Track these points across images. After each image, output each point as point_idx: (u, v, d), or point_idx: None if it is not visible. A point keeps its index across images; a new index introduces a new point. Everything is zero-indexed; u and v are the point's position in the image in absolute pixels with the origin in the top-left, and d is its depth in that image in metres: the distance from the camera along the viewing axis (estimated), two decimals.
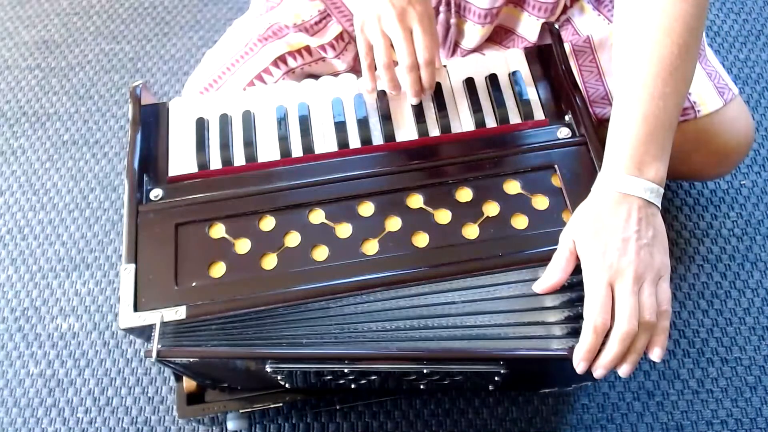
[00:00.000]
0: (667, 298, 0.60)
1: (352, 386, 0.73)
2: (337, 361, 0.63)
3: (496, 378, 0.67)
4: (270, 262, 0.66)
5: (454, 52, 0.93)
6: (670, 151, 0.63)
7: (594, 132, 0.70)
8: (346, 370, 0.64)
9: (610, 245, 0.59)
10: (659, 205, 0.61)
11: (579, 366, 0.59)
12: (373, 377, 0.69)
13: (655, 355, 0.60)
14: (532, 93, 0.77)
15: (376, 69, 0.77)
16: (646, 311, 0.58)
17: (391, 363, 0.63)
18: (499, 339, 0.62)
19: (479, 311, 0.63)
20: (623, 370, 0.60)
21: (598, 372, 0.60)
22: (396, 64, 0.75)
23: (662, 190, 0.62)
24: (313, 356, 0.62)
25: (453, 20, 0.88)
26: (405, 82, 0.74)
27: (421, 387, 0.74)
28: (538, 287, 0.62)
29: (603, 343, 0.59)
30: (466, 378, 0.69)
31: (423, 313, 0.63)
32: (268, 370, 0.64)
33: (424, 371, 0.64)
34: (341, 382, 0.71)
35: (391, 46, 0.74)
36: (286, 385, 0.74)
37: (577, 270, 0.61)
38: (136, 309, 0.63)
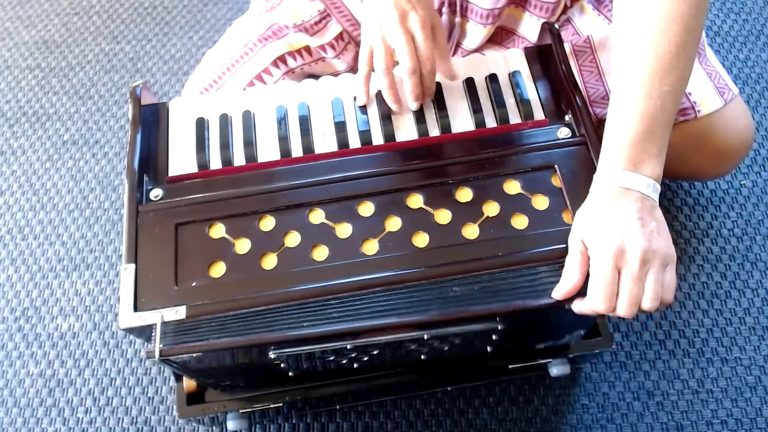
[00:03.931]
0: (672, 286, 0.60)
1: (355, 365, 0.73)
2: (338, 338, 0.63)
3: (494, 336, 0.67)
4: (270, 262, 0.66)
5: (455, 53, 0.93)
6: (667, 149, 0.63)
7: (594, 132, 0.70)
8: (348, 347, 0.64)
9: (616, 231, 0.59)
10: (657, 200, 0.62)
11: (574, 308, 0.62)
12: (374, 351, 0.69)
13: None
14: (532, 93, 0.77)
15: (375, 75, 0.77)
16: (647, 299, 0.59)
17: (391, 333, 0.63)
18: (495, 301, 0.63)
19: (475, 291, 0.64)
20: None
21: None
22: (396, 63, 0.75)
23: (659, 186, 0.62)
24: (315, 335, 0.62)
25: (457, 20, 0.88)
26: (405, 86, 0.74)
27: (422, 357, 0.74)
28: (557, 293, 0.62)
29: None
30: (464, 341, 0.69)
31: (422, 297, 0.64)
32: (272, 356, 0.64)
33: (425, 337, 0.64)
34: (344, 361, 0.71)
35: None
36: (290, 374, 0.73)
37: None
38: (136, 309, 0.63)
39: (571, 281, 0.61)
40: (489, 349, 0.73)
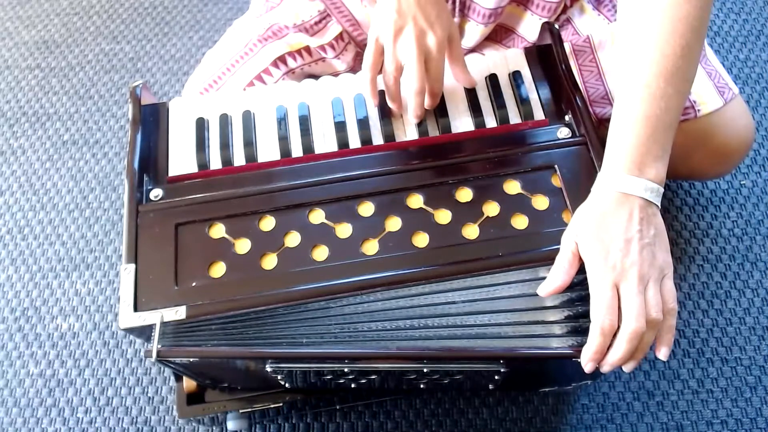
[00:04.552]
0: (673, 295, 0.60)
1: (352, 386, 0.73)
2: (336, 361, 0.63)
3: (496, 377, 0.67)
4: (270, 262, 0.66)
5: None
6: (671, 150, 0.63)
7: (594, 132, 0.70)
8: (345, 370, 0.64)
9: (613, 246, 0.59)
10: (659, 205, 0.62)
11: (587, 366, 0.60)
12: (372, 376, 0.69)
13: (662, 354, 0.61)
14: (532, 93, 0.77)
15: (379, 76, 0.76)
16: (652, 309, 0.59)
17: (391, 362, 0.63)
18: (499, 338, 0.62)
19: (479, 311, 0.63)
20: (628, 367, 0.61)
21: (605, 368, 0.60)
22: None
23: (662, 190, 0.62)
24: (312, 355, 0.62)
25: (456, 19, 0.88)
26: (408, 103, 0.74)
27: (421, 386, 0.74)
28: (542, 290, 0.62)
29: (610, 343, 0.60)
30: (466, 377, 0.69)
31: (423, 312, 0.63)
32: (268, 369, 0.64)
33: (425, 370, 0.64)
34: (341, 381, 0.71)
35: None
36: (286, 385, 0.74)
37: (579, 270, 0.61)
38: (136, 309, 0.63)
39: (558, 281, 0.61)
40: (491, 387, 0.72)
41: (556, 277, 0.61)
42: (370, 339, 0.62)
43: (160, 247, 0.67)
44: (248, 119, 0.77)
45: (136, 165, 0.71)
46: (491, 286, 0.64)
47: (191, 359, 0.62)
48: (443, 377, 0.68)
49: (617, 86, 0.65)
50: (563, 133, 0.72)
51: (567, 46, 0.81)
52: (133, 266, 0.65)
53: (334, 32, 0.91)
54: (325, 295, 0.63)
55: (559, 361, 0.63)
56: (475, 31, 0.88)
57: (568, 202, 0.67)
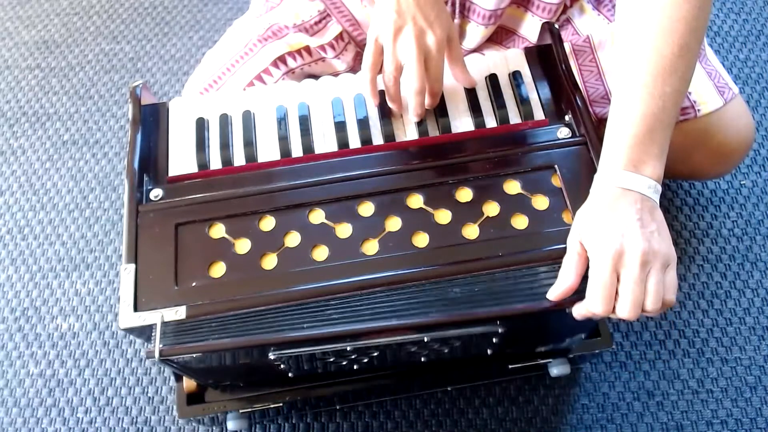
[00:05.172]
0: (673, 286, 0.60)
1: (355, 367, 0.73)
2: (338, 340, 0.63)
3: (494, 339, 0.67)
4: (270, 262, 0.66)
5: None
6: (668, 149, 0.63)
7: (594, 132, 0.70)
8: (348, 348, 0.64)
9: (615, 232, 0.59)
10: (657, 201, 0.62)
11: (577, 316, 0.62)
12: (374, 353, 0.69)
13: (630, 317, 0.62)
14: (532, 93, 0.77)
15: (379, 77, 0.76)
16: (650, 300, 0.58)
17: (391, 335, 0.62)
18: (495, 304, 0.63)
19: (476, 294, 0.63)
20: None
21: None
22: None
23: (660, 188, 0.62)
24: (315, 337, 0.62)
25: (457, 20, 0.88)
26: (409, 102, 0.74)
27: (422, 359, 0.74)
28: (552, 294, 0.61)
29: None
30: (464, 344, 0.69)
31: (422, 300, 0.64)
32: (272, 357, 0.64)
33: (425, 339, 0.63)
34: (344, 363, 0.71)
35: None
36: (290, 374, 0.74)
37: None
38: (136, 309, 0.63)
39: (567, 283, 0.61)
40: (489, 351, 0.73)
41: (565, 279, 0.61)
42: (369, 318, 0.62)
43: (160, 247, 0.67)
44: (248, 119, 0.77)
45: (136, 165, 0.71)
46: (491, 284, 0.64)
47: (194, 354, 0.62)
48: (443, 346, 0.69)
49: (615, 85, 0.65)
50: (563, 133, 0.72)
51: (567, 46, 0.81)
52: (133, 266, 0.65)
53: (334, 32, 0.91)
54: (325, 295, 0.63)
55: (554, 315, 0.63)
56: (476, 32, 0.89)
57: (568, 202, 0.67)
